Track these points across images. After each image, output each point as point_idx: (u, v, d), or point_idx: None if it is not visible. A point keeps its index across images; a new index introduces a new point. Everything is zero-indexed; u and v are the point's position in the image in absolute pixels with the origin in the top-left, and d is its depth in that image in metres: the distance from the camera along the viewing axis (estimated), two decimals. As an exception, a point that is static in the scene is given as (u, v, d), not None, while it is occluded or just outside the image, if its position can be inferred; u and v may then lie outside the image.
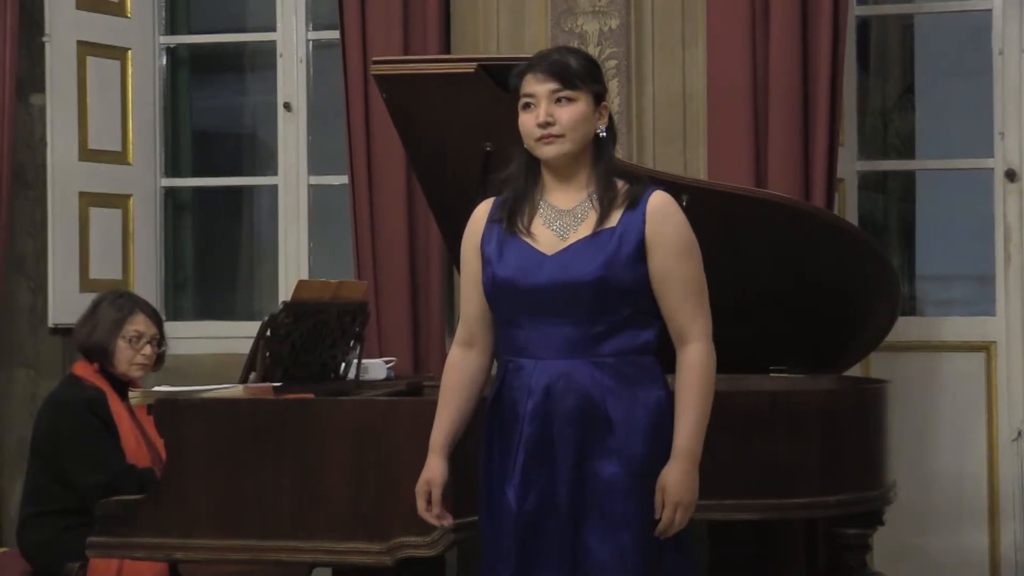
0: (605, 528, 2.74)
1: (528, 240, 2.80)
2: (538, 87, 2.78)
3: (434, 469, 2.91)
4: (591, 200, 2.81)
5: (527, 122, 2.79)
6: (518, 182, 2.85)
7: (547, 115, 2.76)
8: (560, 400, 2.76)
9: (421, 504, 2.91)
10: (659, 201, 2.80)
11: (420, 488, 2.92)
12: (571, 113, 2.77)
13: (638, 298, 2.77)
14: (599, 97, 2.82)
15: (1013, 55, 4.80)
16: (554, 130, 2.76)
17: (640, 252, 2.76)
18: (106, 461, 3.87)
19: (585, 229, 2.78)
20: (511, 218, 2.82)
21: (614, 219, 2.78)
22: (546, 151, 2.79)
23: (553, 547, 2.76)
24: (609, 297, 2.74)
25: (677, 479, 2.72)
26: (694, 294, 2.78)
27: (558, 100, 2.77)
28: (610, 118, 2.87)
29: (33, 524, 3.96)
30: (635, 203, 2.78)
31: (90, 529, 3.46)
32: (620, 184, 2.82)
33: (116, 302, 4.08)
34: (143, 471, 3.87)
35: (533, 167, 2.85)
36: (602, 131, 2.83)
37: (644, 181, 2.84)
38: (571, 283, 2.74)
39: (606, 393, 2.75)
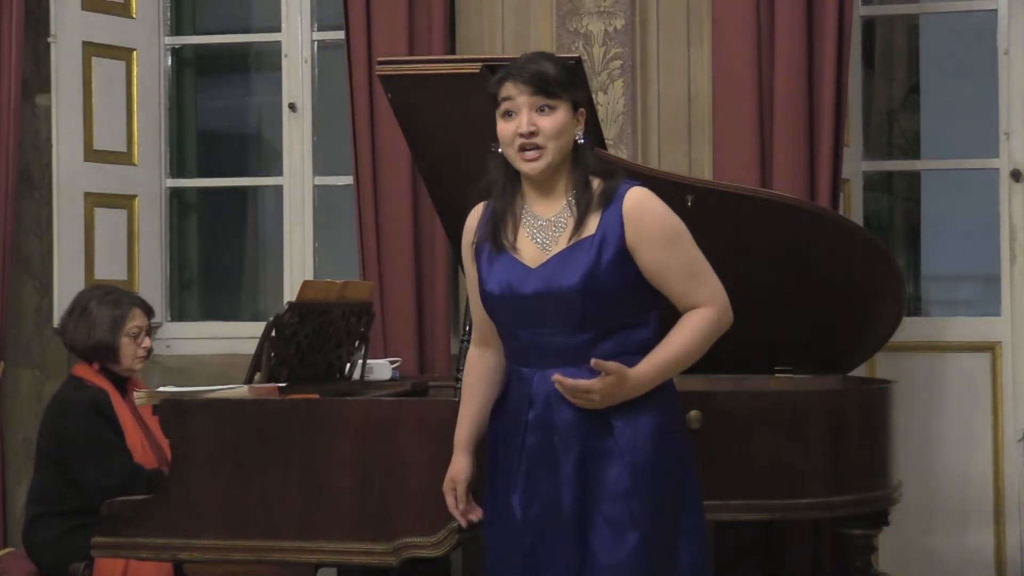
0: (610, 532, 2.73)
1: (513, 254, 2.81)
2: (518, 96, 2.77)
3: (459, 465, 2.95)
4: (569, 206, 2.80)
5: (507, 130, 2.79)
6: (498, 193, 2.85)
7: (530, 125, 2.76)
8: (560, 408, 2.76)
9: (449, 501, 2.95)
10: (633, 200, 2.78)
11: (446, 485, 2.96)
12: (553, 122, 2.76)
13: (629, 298, 2.77)
14: (577, 104, 2.82)
15: (1018, 55, 4.80)
16: (537, 140, 2.76)
17: (623, 255, 2.76)
18: (115, 463, 3.87)
19: (565, 239, 2.78)
20: (495, 234, 2.83)
21: (592, 225, 2.77)
22: (530, 168, 2.78)
23: (559, 554, 2.76)
24: (597, 304, 2.74)
25: (615, 389, 2.69)
26: (695, 274, 2.79)
27: (539, 109, 2.76)
28: (591, 118, 2.88)
29: (39, 524, 3.97)
30: (610, 202, 2.77)
31: (96, 530, 3.47)
32: (596, 184, 2.81)
33: (106, 300, 4.06)
34: (151, 472, 3.87)
35: (512, 175, 2.85)
36: (580, 137, 2.82)
37: (617, 176, 2.83)
38: (556, 295, 2.74)
39: None
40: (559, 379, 2.69)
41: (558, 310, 2.74)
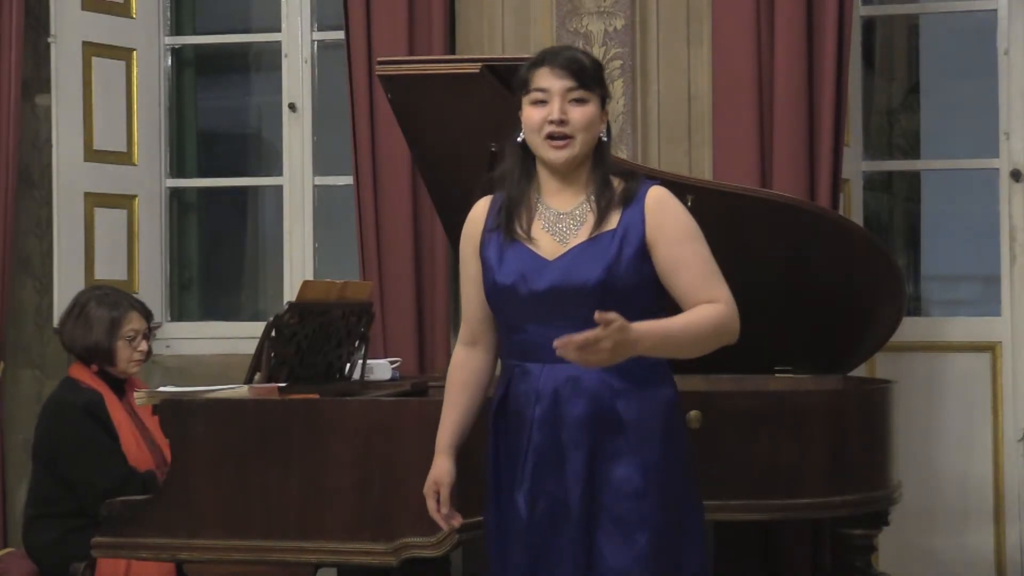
0: (619, 532, 2.71)
1: (528, 245, 2.77)
2: (554, 82, 2.73)
3: (441, 469, 2.91)
4: (589, 202, 2.78)
5: (535, 116, 2.74)
6: (513, 183, 2.82)
7: (562, 112, 2.72)
8: (569, 405, 2.74)
9: (431, 504, 2.91)
10: (656, 195, 2.78)
11: (428, 488, 2.92)
12: (584, 114, 2.74)
13: (642, 297, 2.75)
14: (603, 100, 2.80)
15: (1018, 55, 4.80)
16: (566, 129, 2.72)
17: (643, 252, 2.74)
18: (108, 466, 3.86)
19: (584, 232, 2.76)
20: (509, 223, 2.79)
21: (613, 220, 2.75)
22: (557, 156, 2.74)
23: (566, 553, 2.73)
24: (613, 300, 2.69)
25: (621, 336, 2.52)
26: (709, 273, 2.75)
27: (572, 100, 2.74)
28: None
29: (37, 527, 3.96)
30: (632, 200, 2.76)
31: (92, 531, 3.47)
32: (616, 182, 2.80)
33: (105, 301, 4.04)
34: (144, 475, 3.86)
35: (528, 166, 2.82)
36: (604, 135, 2.81)
37: (638, 177, 2.82)
38: (574, 288, 2.71)
39: (616, 395, 2.73)
40: (568, 338, 2.52)
41: (573, 304, 2.71)
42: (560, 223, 2.78)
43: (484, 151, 3.61)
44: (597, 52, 4.72)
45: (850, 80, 4.61)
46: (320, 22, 5.30)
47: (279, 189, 5.36)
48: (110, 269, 5.19)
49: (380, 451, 3.33)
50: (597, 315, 2.52)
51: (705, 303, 2.73)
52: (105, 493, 3.74)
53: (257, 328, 3.72)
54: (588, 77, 2.75)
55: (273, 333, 3.59)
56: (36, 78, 5.22)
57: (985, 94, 4.93)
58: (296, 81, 5.28)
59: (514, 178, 2.82)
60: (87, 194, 5.15)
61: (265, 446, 3.37)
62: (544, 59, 2.77)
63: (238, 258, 6.19)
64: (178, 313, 5.52)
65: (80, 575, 3.83)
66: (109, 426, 3.92)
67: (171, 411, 3.40)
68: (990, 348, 4.80)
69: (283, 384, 3.57)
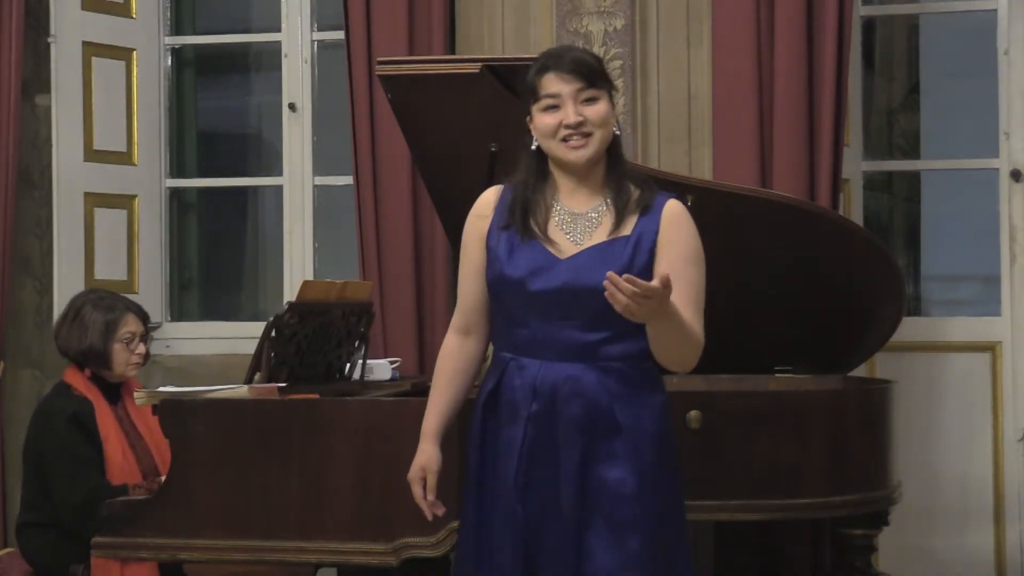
0: (612, 534, 2.71)
1: (542, 243, 2.76)
2: (563, 87, 2.73)
3: (429, 456, 2.89)
4: (606, 203, 2.79)
5: (550, 123, 2.74)
6: (529, 188, 2.81)
7: (577, 115, 2.72)
8: (566, 405, 2.74)
9: (417, 491, 2.89)
10: (674, 209, 2.79)
11: (414, 475, 2.90)
12: (598, 111, 2.74)
13: None
14: (611, 94, 2.80)
15: (1018, 55, 4.80)
16: (584, 128, 2.73)
17: (653, 261, 2.73)
18: (81, 479, 3.81)
19: (600, 234, 2.76)
20: (524, 219, 2.78)
21: (628, 226, 2.75)
22: (578, 156, 2.74)
23: (555, 552, 2.73)
24: None
25: (664, 303, 2.52)
26: (695, 302, 2.74)
27: (584, 100, 2.74)
28: None
29: (28, 533, 3.95)
30: (649, 209, 2.76)
31: (82, 535, 3.49)
32: (632, 188, 2.80)
33: (101, 304, 4.00)
34: (117, 489, 3.79)
35: (543, 169, 2.82)
36: (617, 129, 2.81)
37: (653, 187, 2.82)
38: (583, 289, 2.70)
39: (613, 399, 2.73)
40: (629, 278, 2.49)
41: (579, 304, 2.71)
42: (576, 223, 2.78)
43: (484, 151, 3.61)
44: (597, 52, 4.70)
45: (850, 80, 4.61)
46: (320, 22, 5.30)
47: (279, 189, 5.36)
48: (110, 269, 5.19)
49: (380, 451, 3.33)
50: (661, 274, 2.51)
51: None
52: (74, 507, 3.73)
53: (257, 328, 3.72)
54: (595, 75, 2.76)
55: (273, 333, 3.59)
56: (36, 78, 5.22)
57: (985, 94, 4.93)
58: (296, 81, 5.28)
59: (529, 184, 2.81)
60: (87, 194, 5.16)
61: (265, 446, 3.37)
62: (548, 64, 2.76)
63: (238, 258, 6.19)
64: (178, 313, 5.52)
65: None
66: (95, 437, 3.87)
67: (171, 411, 3.40)
68: (990, 348, 4.80)
69: (283, 384, 3.57)
